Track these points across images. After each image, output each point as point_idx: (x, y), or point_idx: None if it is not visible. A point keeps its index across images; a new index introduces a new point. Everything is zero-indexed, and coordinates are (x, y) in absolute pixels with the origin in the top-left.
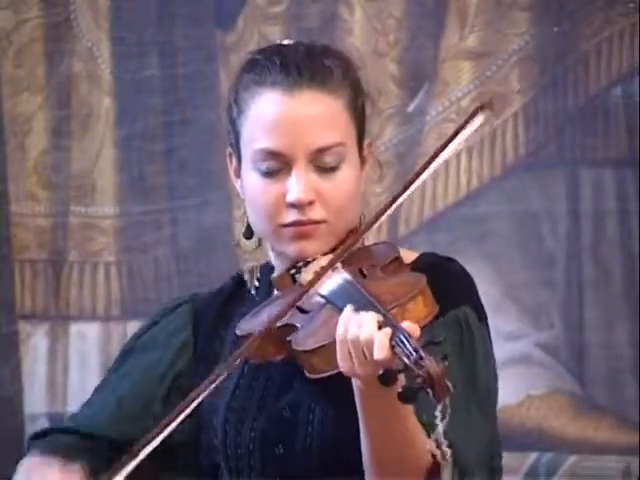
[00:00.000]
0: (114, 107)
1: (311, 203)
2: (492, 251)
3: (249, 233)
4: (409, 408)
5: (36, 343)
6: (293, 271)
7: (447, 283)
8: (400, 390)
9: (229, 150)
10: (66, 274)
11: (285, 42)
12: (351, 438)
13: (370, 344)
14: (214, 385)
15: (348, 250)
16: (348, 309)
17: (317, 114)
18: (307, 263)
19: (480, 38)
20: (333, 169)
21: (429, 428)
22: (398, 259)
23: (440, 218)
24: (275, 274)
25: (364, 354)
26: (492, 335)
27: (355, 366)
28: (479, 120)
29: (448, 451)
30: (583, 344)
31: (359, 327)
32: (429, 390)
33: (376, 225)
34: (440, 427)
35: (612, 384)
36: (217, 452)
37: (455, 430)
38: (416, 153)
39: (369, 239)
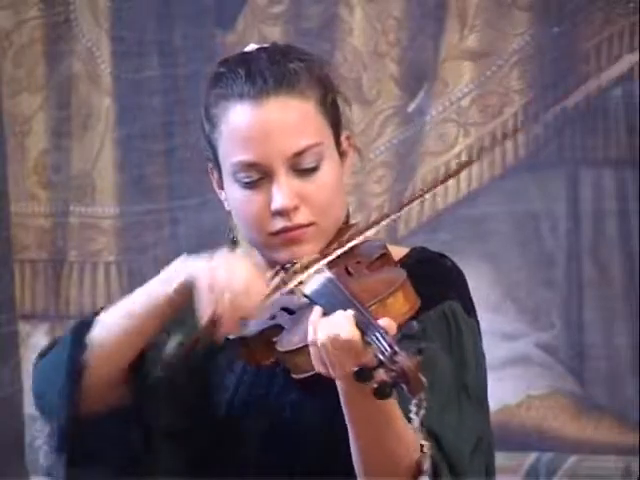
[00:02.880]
0: (114, 107)
1: (296, 208)
2: (492, 251)
3: (234, 245)
4: (394, 406)
5: (36, 343)
6: (281, 272)
7: (435, 278)
8: (374, 386)
9: (209, 165)
10: (66, 274)
11: (248, 49)
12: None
13: (343, 344)
14: None
15: (332, 254)
16: (315, 312)
17: (288, 119)
18: (294, 263)
19: (480, 38)
20: (313, 170)
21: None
22: (384, 255)
23: (440, 218)
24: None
25: (334, 353)
26: (492, 335)
27: (329, 367)
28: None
29: (426, 444)
30: (583, 344)
31: (326, 327)
32: (403, 385)
33: (360, 238)
34: (416, 421)
35: (612, 384)
36: (218, 449)
37: (445, 425)
38: (416, 153)
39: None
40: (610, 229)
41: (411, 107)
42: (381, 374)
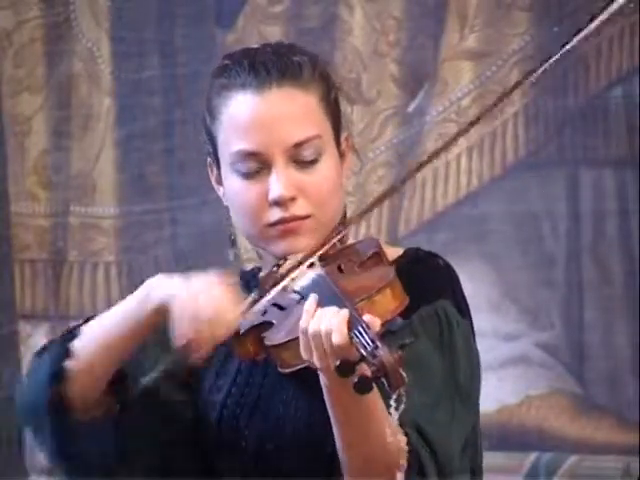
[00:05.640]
0: (114, 107)
1: (293, 199)
2: (492, 251)
3: (233, 241)
4: (376, 401)
5: (36, 343)
6: (275, 269)
7: (427, 277)
8: (355, 380)
9: (209, 160)
10: (66, 274)
11: (254, 46)
12: None
13: (329, 335)
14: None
15: (324, 246)
16: (310, 301)
17: (290, 110)
18: (286, 260)
19: (480, 38)
20: (312, 163)
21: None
22: (377, 254)
23: (440, 218)
24: (261, 274)
25: (323, 346)
26: (492, 335)
27: (315, 358)
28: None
29: (404, 439)
30: (583, 344)
31: (319, 319)
32: (383, 380)
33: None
34: (395, 416)
35: (612, 384)
36: (210, 446)
37: (435, 424)
38: (416, 153)
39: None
40: (610, 229)
41: (411, 107)
42: (363, 369)
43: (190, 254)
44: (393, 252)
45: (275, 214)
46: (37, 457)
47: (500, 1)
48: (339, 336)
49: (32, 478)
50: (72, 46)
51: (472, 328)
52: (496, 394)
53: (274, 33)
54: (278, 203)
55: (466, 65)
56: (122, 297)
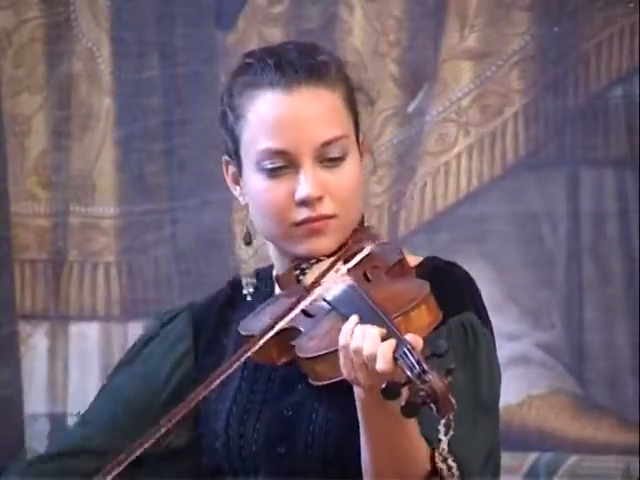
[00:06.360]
0: (114, 107)
1: (320, 198)
2: (492, 251)
3: (249, 239)
4: (411, 419)
5: (36, 343)
6: (297, 272)
7: (451, 289)
8: (403, 404)
9: (225, 158)
10: (66, 274)
11: (273, 45)
12: (353, 438)
13: (373, 356)
14: (213, 386)
15: (350, 253)
16: (353, 319)
17: (318, 110)
18: (311, 265)
19: (480, 38)
20: (338, 163)
21: (432, 442)
22: (402, 261)
23: (440, 218)
24: (279, 272)
25: (367, 365)
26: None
27: (358, 376)
28: None
29: (454, 465)
30: (583, 344)
31: (363, 337)
32: (432, 405)
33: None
34: (444, 441)
35: (612, 384)
36: (219, 455)
37: (458, 438)
38: (416, 153)
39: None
40: (610, 229)
41: (411, 107)
42: (409, 392)
43: (190, 254)
44: (411, 260)
45: (302, 213)
46: None
47: (500, 1)
48: (384, 362)
49: None
50: (72, 46)
51: (493, 337)
52: None
53: (274, 34)
54: (306, 203)
55: (466, 65)
56: (122, 297)
